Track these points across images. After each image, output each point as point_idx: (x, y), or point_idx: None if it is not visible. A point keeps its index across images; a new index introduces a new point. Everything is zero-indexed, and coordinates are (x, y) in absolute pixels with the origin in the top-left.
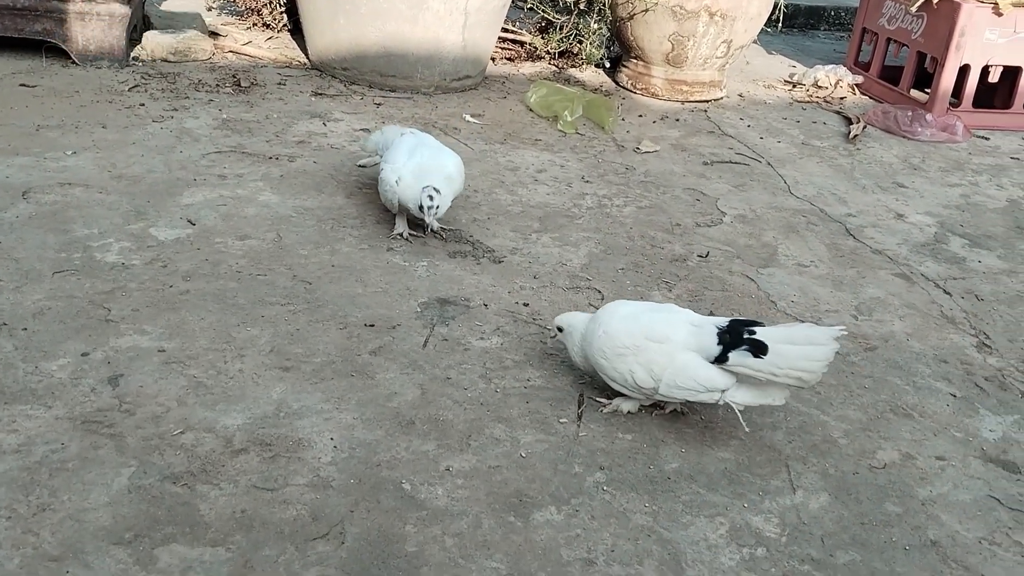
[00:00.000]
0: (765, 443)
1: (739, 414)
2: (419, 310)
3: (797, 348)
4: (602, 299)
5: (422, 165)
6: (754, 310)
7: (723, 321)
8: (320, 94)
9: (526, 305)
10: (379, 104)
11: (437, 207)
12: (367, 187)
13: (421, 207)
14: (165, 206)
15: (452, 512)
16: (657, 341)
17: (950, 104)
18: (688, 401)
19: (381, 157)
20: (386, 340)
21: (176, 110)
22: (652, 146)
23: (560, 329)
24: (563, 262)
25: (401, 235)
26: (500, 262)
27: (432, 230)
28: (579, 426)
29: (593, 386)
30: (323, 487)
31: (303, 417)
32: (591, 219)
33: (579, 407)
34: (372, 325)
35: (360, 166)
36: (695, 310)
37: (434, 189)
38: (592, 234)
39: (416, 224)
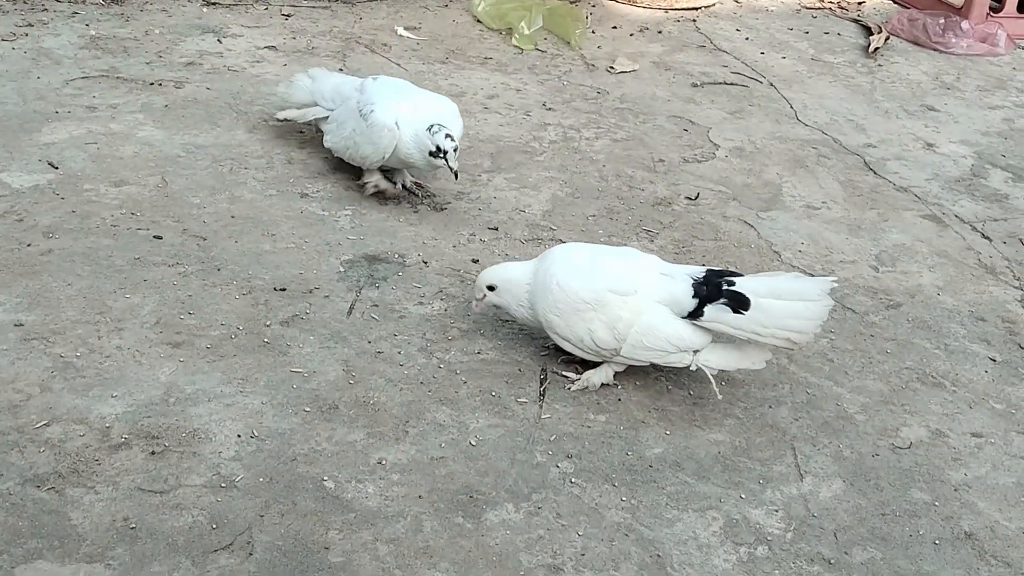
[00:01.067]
0: (766, 422)
1: (712, 379)
2: (342, 270)
3: (784, 304)
4: None
5: (420, 108)
6: (754, 262)
7: (698, 270)
8: (213, 3)
9: (475, 262)
10: (288, 16)
11: (457, 148)
12: (275, 120)
13: (439, 151)
14: (19, 146)
15: (386, 514)
16: (622, 294)
17: (990, 9)
18: (654, 364)
19: (325, 108)
20: (301, 307)
21: (31, 25)
22: (629, 64)
23: (492, 288)
24: (521, 208)
25: (395, 186)
26: (443, 209)
27: (410, 190)
28: (541, 407)
29: (558, 359)
30: (225, 488)
31: (198, 403)
32: (555, 155)
33: (541, 384)
34: (283, 289)
35: (281, 120)
36: (683, 262)
37: (441, 127)
38: (556, 173)
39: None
